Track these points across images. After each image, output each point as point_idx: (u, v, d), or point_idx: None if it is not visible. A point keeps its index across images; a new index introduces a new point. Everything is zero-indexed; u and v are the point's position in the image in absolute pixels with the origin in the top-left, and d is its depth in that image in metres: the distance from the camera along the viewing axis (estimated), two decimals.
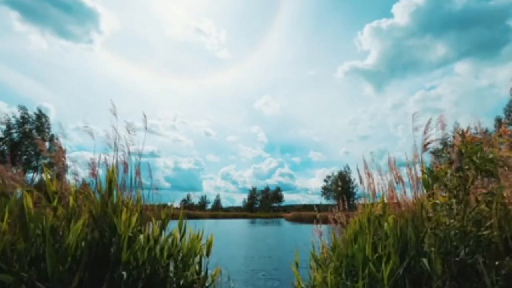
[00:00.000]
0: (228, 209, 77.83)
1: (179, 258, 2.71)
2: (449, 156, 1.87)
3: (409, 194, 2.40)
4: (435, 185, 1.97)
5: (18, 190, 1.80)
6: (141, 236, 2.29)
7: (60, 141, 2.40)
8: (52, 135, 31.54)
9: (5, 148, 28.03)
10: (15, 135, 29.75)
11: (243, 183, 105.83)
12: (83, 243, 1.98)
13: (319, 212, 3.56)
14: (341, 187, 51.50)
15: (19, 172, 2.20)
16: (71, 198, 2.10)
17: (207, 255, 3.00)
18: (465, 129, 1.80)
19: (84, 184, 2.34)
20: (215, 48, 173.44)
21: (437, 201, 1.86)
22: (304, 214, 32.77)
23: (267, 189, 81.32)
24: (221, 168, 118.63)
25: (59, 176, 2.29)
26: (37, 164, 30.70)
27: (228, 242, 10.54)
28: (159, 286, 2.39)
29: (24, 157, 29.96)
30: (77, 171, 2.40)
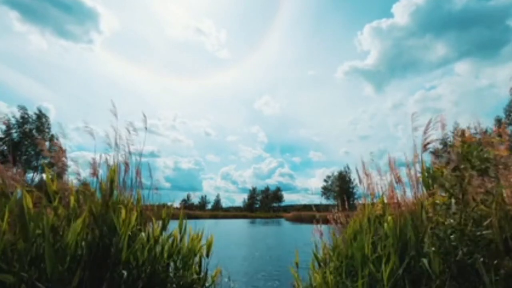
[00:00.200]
0: (228, 209, 77.82)
1: (179, 258, 2.71)
2: (448, 156, 1.88)
3: (409, 194, 2.40)
4: (435, 185, 1.98)
5: (18, 190, 1.80)
6: (141, 235, 2.30)
7: (60, 141, 2.40)
8: (52, 135, 31.55)
9: (5, 148, 28.05)
10: (15, 135, 29.77)
11: (243, 183, 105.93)
12: (83, 243, 1.98)
13: (319, 212, 3.57)
14: (341, 187, 51.49)
15: (19, 172, 2.20)
16: (72, 198, 2.10)
17: (207, 255, 3.00)
18: (464, 129, 1.81)
19: (85, 184, 2.34)
20: (215, 48, 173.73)
21: (437, 201, 1.86)
22: (304, 214, 32.75)
23: (267, 189, 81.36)
24: (221, 168, 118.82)
25: (60, 176, 2.30)
26: (37, 164, 30.72)
27: (228, 242, 10.54)
28: (159, 286, 2.39)
29: (24, 157, 29.98)
30: (78, 171, 2.40)
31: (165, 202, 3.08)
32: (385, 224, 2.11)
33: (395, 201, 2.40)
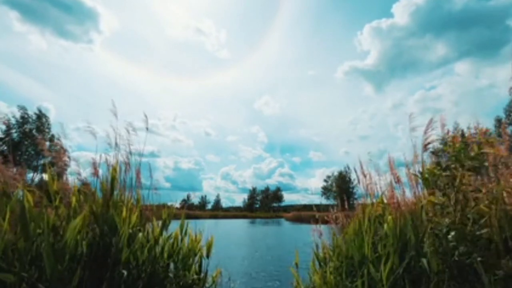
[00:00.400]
0: (228, 209, 77.78)
1: (179, 258, 2.71)
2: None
3: (408, 194, 2.40)
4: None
5: (20, 190, 1.80)
6: (140, 234, 2.30)
7: (62, 141, 2.40)
8: (53, 135, 31.55)
9: (5, 148, 28.05)
10: (15, 135, 29.77)
11: (243, 183, 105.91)
12: (83, 242, 1.98)
13: (319, 212, 3.57)
14: (340, 187, 51.46)
15: (20, 171, 2.20)
16: (73, 198, 2.10)
17: (207, 256, 3.00)
18: (464, 129, 1.82)
19: (85, 184, 2.34)
20: (215, 48, 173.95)
21: (435, 201, 1.87)
22: (304, 214, 32.74)
23: (267, 189, 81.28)
24: (221, 168, 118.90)
25: (60, 176, 2.30)
26: (37, 164, 30.72)
27: (228, 242, 10.54)
28: (159, 286, 2.39)
29: (24, 157, 29.98)
30: (78, 171, 2.40)
31: (165, 202, 3.09)
32: (385, 224, 2.11)
33: (395, 201, 2.40)
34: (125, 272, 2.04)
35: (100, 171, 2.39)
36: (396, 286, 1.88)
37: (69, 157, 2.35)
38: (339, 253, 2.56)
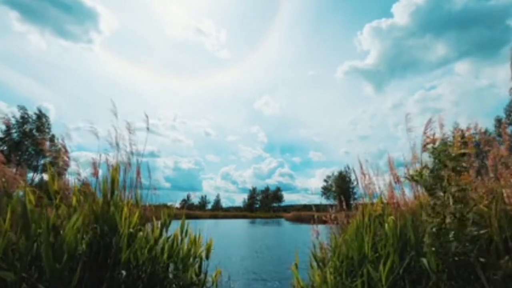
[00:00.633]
0: (228, 209, 77.77)
1: (179, 259, 2.71)
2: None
3: (408, 194, 2.40)
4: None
5: (20, 190, 1.80)
6: (140, 234, 2.30)
7: (65, 141, 2.40)
8: (53, 135, 31.57)
9: (5, 148, 28.06)
10: (15, 135, 29.78)
11: (243, 183, 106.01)
12: (83, 242, 1.98)
13: (319, 212, 3.56)
14: (340, 187, 51.44)
15: (20, 171, 2.20)
16: (74, 197, 2.11)
17: (207, 258, 3.00)
18: (463, 130, 1.83)
19: (85, 184, 2.35)
20: (215, 48, 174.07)
21: (434, 201, 1.87)
22: (304, 214, 32.74)
23: (267, 189, 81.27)
24: (221, 168, 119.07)
25: (60, 176, 2.30)
26: (37, 164, 30.73)
27: (228, 242, 10.54)
28: (159, 287, 2.39)
29: (24, 157, 29.98)
30: (78, 171, 2.40)
31: (165, 202, 3.09)
32: (386, 225, 2.11)
33: (394, 201, 2.41)
34: (124, 273, 2.04)
35: (100, 171, 2.40)
36: (396, 286, 1.88)
37: (69, 157, 2.36)
38: (339, 253, 2.57)
